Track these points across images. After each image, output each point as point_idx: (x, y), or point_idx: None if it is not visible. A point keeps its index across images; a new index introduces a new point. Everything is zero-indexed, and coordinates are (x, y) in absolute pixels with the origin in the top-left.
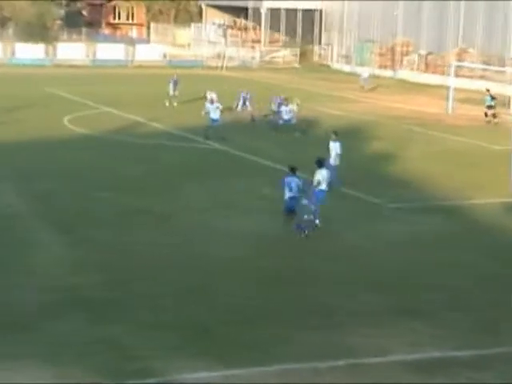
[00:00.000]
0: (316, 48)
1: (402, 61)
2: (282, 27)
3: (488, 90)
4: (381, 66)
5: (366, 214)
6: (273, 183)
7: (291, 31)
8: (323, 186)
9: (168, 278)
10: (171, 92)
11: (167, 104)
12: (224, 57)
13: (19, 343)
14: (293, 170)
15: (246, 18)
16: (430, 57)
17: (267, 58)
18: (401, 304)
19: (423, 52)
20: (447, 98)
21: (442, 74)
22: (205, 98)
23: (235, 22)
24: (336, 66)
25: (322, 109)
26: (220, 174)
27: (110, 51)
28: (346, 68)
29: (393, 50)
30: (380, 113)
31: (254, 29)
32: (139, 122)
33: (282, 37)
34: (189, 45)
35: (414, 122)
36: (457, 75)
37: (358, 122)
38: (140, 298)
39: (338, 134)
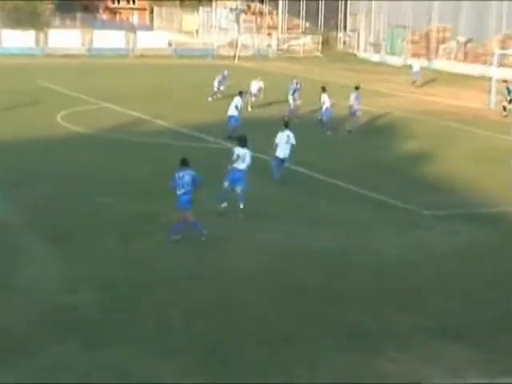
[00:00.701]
0: (340, 35)
1: (437, 49)
2: (302, 12)
3: (505, 81)
4: (414, 55)
5: (399, 222)
6: (291, 187)
7: (312, 16)
8: (241, 166)
9: (177, 294)
10: (216, 87)
11: (210, 99)
12: (237, 45)
13: (6, 369)
14: (184, 163)
15: (262, 1)
16: (469, 44)
17: (285, 47)
18: (439, 324)
19: (462, 39)
20: (489, 91)
21: (484, 63)
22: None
23: (249, 6)
24: (363, 54)
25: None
26: None
27: (108, 39)
28: (375, 57)
29: (427, 36)
30: (414, 108)
31: (271, 13)
32: (142, 119)
33: (301, 22)
34: (197, 32)
35: (452, 118)
36: (500, 65)
37: (390, 118)
38: (146, 318)
39: (289, 124)
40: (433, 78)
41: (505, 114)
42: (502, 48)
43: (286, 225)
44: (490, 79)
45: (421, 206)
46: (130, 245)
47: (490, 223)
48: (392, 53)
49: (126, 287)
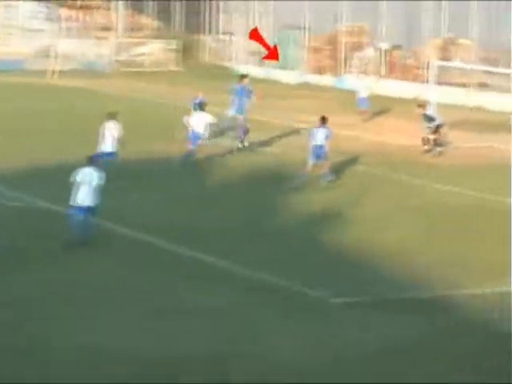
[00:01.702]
0: (208, 39)
1: (350, 60)
2: (151, 7)
3: (421, 106)
4: (315, 70)
5: (300, 314)
6: (125, 261)
7: (165, 13)
8: (84, 202)
9: None
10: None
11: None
12: (53, 55)
13: None
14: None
15: None
16: (396, 53)
17: (126, 57)
18: None
19: (385, 45)
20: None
21: (417, 80)
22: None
23: None
24: (241, 68)
25: (226, 143)
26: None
27: None
28: (259, 72)
29: (335, 42)
30: None
31: (104, 8)
32: None
33: (150, 22)
34: None
35: (374, 161)
36: (440, 83)
37: (288, 162)
38: None
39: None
40: (387, 107)
41: (426, 148)
42: (443, 58)
43: (123, 319)
44: (426, 103)
45: (327, 290)
46: None
47: (424, 312)
48: (283, 66)
49: None
